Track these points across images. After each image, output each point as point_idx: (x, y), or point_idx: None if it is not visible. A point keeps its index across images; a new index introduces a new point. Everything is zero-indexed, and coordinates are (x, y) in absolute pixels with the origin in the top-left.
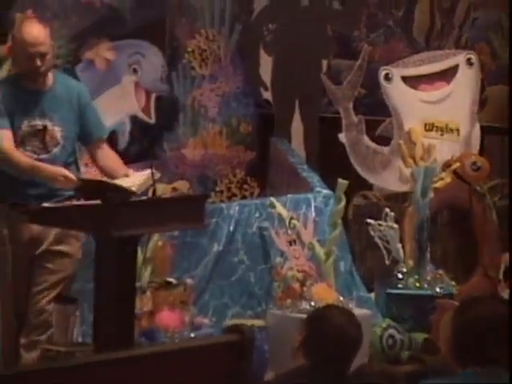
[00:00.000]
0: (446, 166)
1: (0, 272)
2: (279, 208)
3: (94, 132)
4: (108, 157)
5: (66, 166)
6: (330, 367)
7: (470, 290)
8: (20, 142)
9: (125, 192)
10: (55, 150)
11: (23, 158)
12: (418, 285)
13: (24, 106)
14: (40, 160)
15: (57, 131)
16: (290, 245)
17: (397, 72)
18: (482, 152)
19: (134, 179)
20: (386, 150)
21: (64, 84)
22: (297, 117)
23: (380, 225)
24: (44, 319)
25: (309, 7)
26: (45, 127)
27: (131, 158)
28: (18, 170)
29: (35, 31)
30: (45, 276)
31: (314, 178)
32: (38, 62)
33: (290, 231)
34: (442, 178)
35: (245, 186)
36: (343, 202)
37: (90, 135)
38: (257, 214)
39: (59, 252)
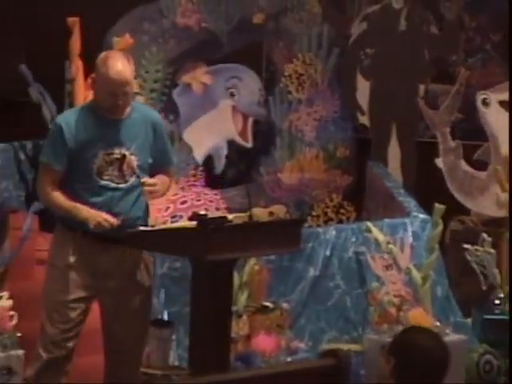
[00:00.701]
0: None
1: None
2: (376, 232)
3: (164, 162)
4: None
5: (140, 195)
6: None
7: None
8: (97, 171)
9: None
10: (132, 180)
11: (61, 199)
12: None
13: (102, 134)
14: (118, 189)
15: (133, 160)
16: (387, 269)
17: (494, 97)
18: None
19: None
20: (483, 174)
21: (140, 112)
22: (394, 141)
23: (477, 250)
24: None
25: (406, 32)
26: (124, 156)
27: (228, 182)
28: (57, 211)
29: (121, 68)
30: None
31: (410, 203)
32: (120, 102)
33: (386, 256)
34: None
35: (341, 211)
36: (440, 227)
37: (160, 165)
38: (353, 239)
39: (132, 286)
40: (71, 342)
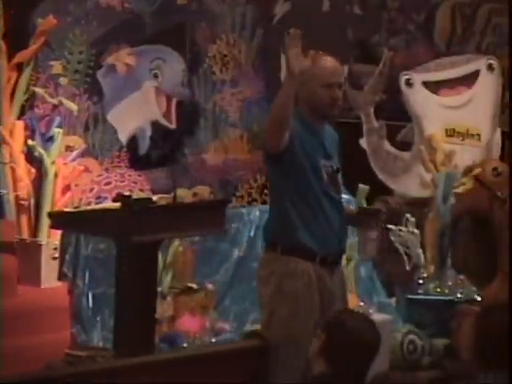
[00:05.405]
0: (467, 171)
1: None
2: None
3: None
4: None
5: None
6: (349, 373)
7: (490, 296)
8: (326, 181)
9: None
10: (340, 197)
11: None
12: (438, 290)
13: (313, 144)
14: (338, 203)
15: (339, 175)
16: None
17: (418, 77)
18: (503, 157)
19: None
20: (406, 155)
21: (327, 126)
22: None
23: (401, 230)
24: None
25: (330, 12)
26: (338, 170)
27: (152, 163)
28: (281, 106)
29: (332, 62)
30: None
31: None
32: (338, 93)
33: None
34: (463, 184)
35: (265, 191)
36: None
37: None
38: None
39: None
40: None
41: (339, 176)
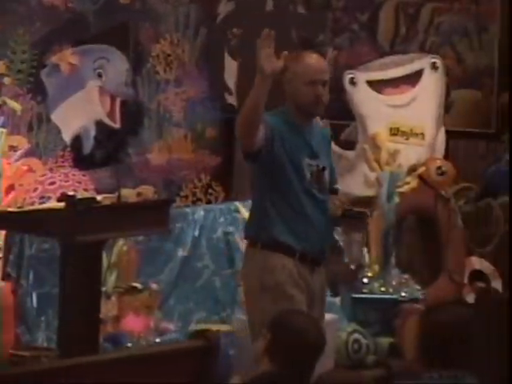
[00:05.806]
0: (411, 170)
1: None
2: (244, 212)
3: (334, 183)
4: None
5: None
6: (294, 372)
7: (434, 295)
8: (309, 180)
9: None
10: (326, 196)
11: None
12: (383, 289)
13: (304, 142)
14: (321, 202)
15: (326, 174)
16: None
17: (362, 76)
18: (447, 156)
19: None
20: (350, 154)
21: (317, 124)
22: None
23: None
24: None
25: (273, 11)
26: (323, 168)
27: (96, 162)
28: (250, 106)
29: (317, 56)
30: None
31: None
32: (321, 90)
33: None
34: (407, 183)
35: (210, 191)
36: None
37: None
38: (222, 219)
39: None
40: None
41: (325, 175)
